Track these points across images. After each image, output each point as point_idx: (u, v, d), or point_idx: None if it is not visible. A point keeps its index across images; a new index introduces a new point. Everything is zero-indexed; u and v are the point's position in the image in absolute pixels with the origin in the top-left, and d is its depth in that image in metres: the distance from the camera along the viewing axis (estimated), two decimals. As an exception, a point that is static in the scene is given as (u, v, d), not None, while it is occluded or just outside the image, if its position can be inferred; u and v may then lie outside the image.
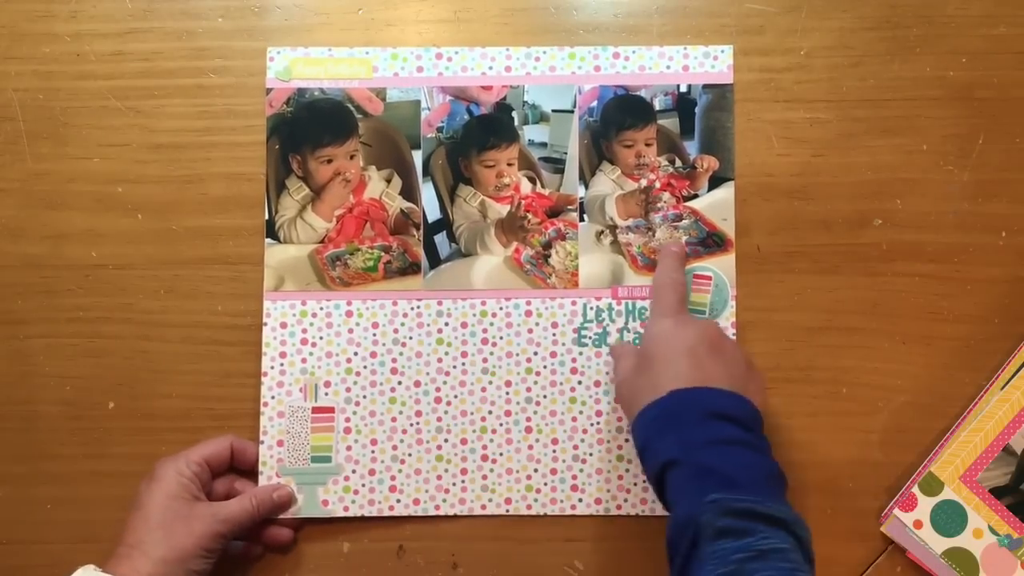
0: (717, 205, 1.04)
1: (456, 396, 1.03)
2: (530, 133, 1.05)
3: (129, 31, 1.06)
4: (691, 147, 1.05)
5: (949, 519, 0.97)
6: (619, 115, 1.05)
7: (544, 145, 1.05)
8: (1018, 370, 0.99)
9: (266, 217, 1.04)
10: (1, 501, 1.04)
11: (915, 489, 0.98)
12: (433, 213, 1.05)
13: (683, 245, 1.03)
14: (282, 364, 1.03)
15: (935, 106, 1.04)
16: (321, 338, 1.03)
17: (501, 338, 1.03)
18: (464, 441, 1.02)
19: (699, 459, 0.83)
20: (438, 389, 1.03)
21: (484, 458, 1.02)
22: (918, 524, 0.98)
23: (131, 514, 0.94)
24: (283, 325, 1.03)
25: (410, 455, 1.02)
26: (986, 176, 1.04)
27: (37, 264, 1.05)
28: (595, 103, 1.05)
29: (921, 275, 1.03)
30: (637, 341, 1.02)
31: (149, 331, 1.05)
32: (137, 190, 1.05)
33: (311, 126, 1.05)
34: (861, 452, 1.02)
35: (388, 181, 1.05)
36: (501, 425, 1.02)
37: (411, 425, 1.02)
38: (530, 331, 1.03)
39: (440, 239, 1.05)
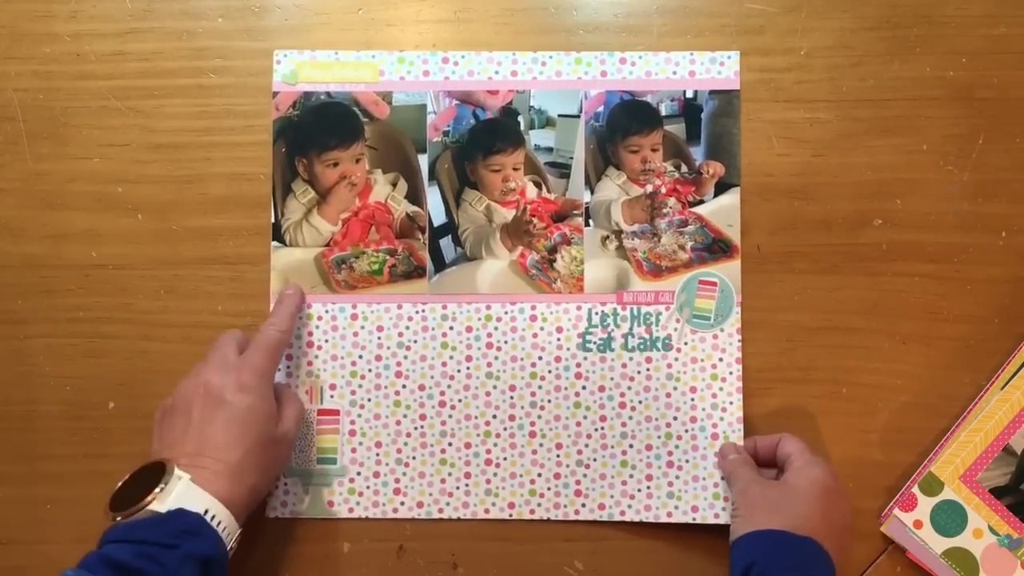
0: (723, 211, 1.04)
1: (460, 400, 1.03)
2: (536, 138, 1.05)
3: (129, 31, 1.06)
4: (697, 153, 1.05)
5: (949, 519, 0.98)
6: (625, 120, 1.05)
7: (550, 150, 1.05)
8: (1018, 370, 1.00)
9: (272, 220, 1.04)
10: (1, 501, 1.04)
11: (915, 489, 0.99)
12: (439, 217, 1.05)
13: None
14: (288, 366, 1.03)
15: (935, 106, 1.05)
16: (327, 341, 1.03)
17: (506, 342, 1.03)
18: (468, 445, 1.02)
19: None
20: (442, 393, 1.03)
21: (488, 462, 1.02)
22: (918, 524, 0.99)
23: (214, 412, 0.90)
24: None
25: (414, 458, 1.02)
26: (986, 176, 1.04)
27: (37, 264, 1.05)
28: (601, 108, 1.05)
29: (921, 275, 1.04)
30: (641, 347, 1.03)
31: (149, 331, 1.05)
32: (137, 190, 1.05)
33: (317, 130, 1.05)
34: (861, 452, 1.03)
35: (394, 185, 1.05)
36: (505, 429, 1.02)
37: (415, 429, 1.02)
38: (535, 336, 1.03)
39: (445, 243, 1.04)
